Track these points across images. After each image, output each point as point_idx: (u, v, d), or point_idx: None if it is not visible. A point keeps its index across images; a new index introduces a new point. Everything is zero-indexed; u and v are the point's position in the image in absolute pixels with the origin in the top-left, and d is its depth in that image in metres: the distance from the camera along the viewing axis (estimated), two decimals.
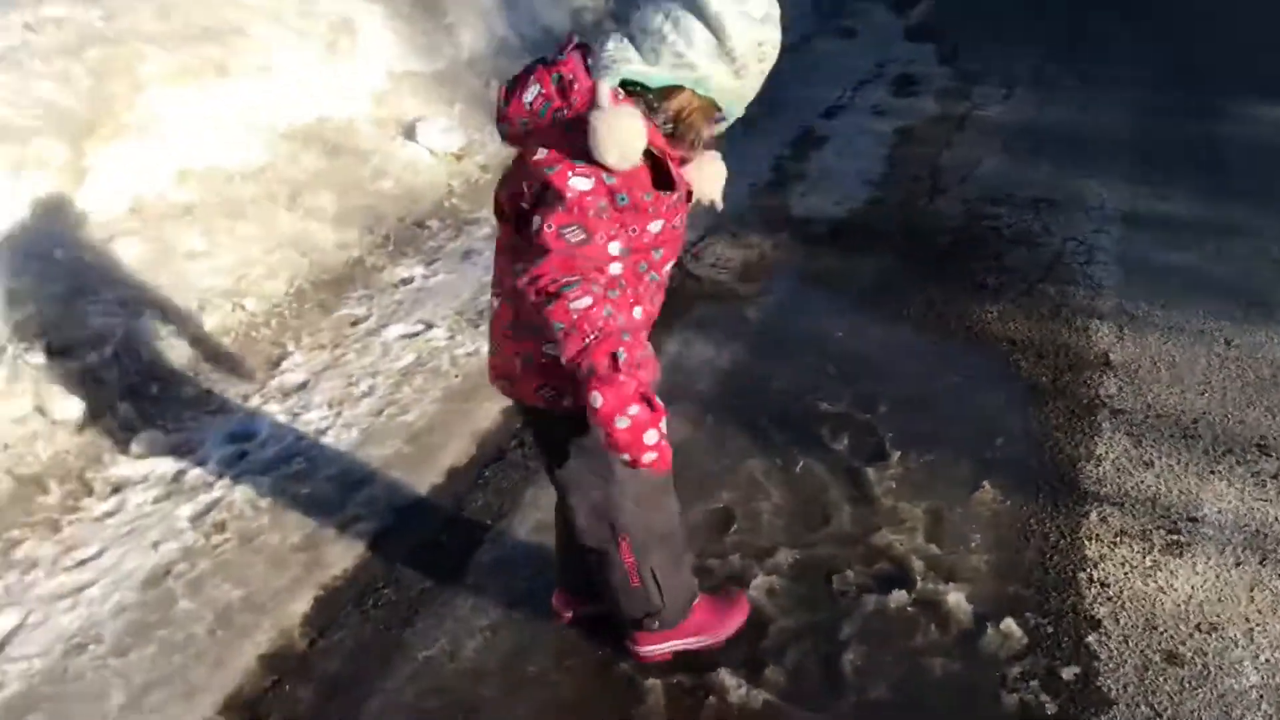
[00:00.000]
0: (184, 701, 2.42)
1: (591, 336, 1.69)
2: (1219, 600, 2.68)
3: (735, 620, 2.53)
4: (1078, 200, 5.16)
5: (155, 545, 2.91)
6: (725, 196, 2.13)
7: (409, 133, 5.57)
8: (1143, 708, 2.39)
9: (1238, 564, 2.81)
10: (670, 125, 1.89)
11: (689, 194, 2.03)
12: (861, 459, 3.25)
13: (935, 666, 2.51)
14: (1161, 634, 2.59)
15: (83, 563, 2.87)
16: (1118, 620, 2.63)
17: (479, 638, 2.58)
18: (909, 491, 3.10)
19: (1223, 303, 4.12)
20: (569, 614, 2.58)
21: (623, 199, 1.84)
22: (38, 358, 3.46)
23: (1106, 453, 3.26)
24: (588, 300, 1.70)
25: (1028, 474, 3.17)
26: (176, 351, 3.79)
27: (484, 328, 3.93)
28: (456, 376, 3.72)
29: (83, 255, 3.93)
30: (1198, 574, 2.77)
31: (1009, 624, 2.61)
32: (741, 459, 3.26)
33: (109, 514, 3.04)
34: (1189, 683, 2.45)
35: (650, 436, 1.70)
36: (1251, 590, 2.71)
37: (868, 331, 4.02)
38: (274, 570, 2.80)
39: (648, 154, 1.83)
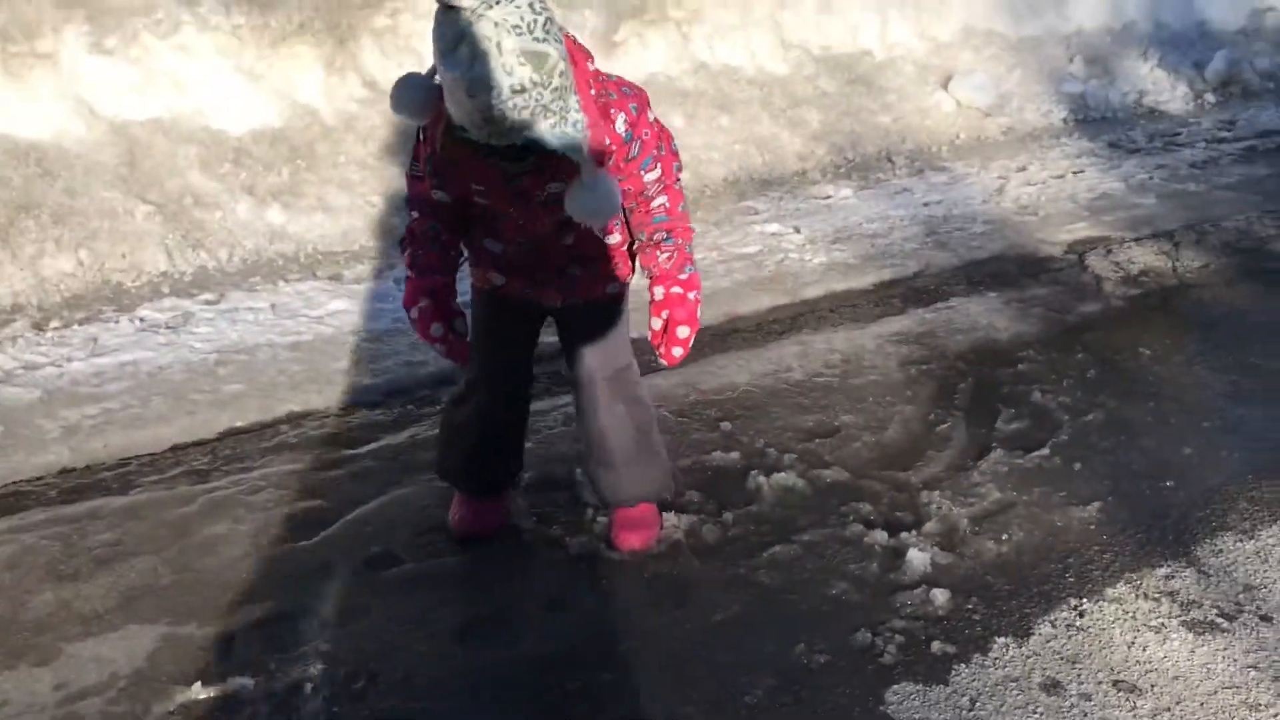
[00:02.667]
0: (370, 375, 3.47)
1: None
2: (1172, 677, 2.42)
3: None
4: None
5: None
6: None
7: (944, 82, 5.90)
8: (964, 700, 2.36)
9: (1250, 665, 2.47)
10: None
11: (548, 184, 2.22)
12: (1008, 442, 3.24)
13: (835, 587, 2.65)
14: (1075, 666, 2.44)
15: None
16: (1047, 643, 2.52)
17: None
18: (1009, 480, 3.07)
19: None
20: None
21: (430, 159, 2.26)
22: None
23: (1267, 537, 2.88)
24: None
25: (1150, 518, 2.93)
26: None
27: (839, 245, 4.44)
28: (768, 272, 4.25)
29: None
30: (1189, 653, 2.49)
31: (940, 594, 2.63)
32: (906, 401, 3.44)
33: None
34: (1034, 706, 2.35)
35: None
36: (1222, 686, 2.40)
37: (1181, 359, 3.75)
38: None
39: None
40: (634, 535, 2.75)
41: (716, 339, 3.76)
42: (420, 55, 4.88)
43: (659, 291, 2.45)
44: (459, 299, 2.39)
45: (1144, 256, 4.51)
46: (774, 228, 4.58)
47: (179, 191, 4.22)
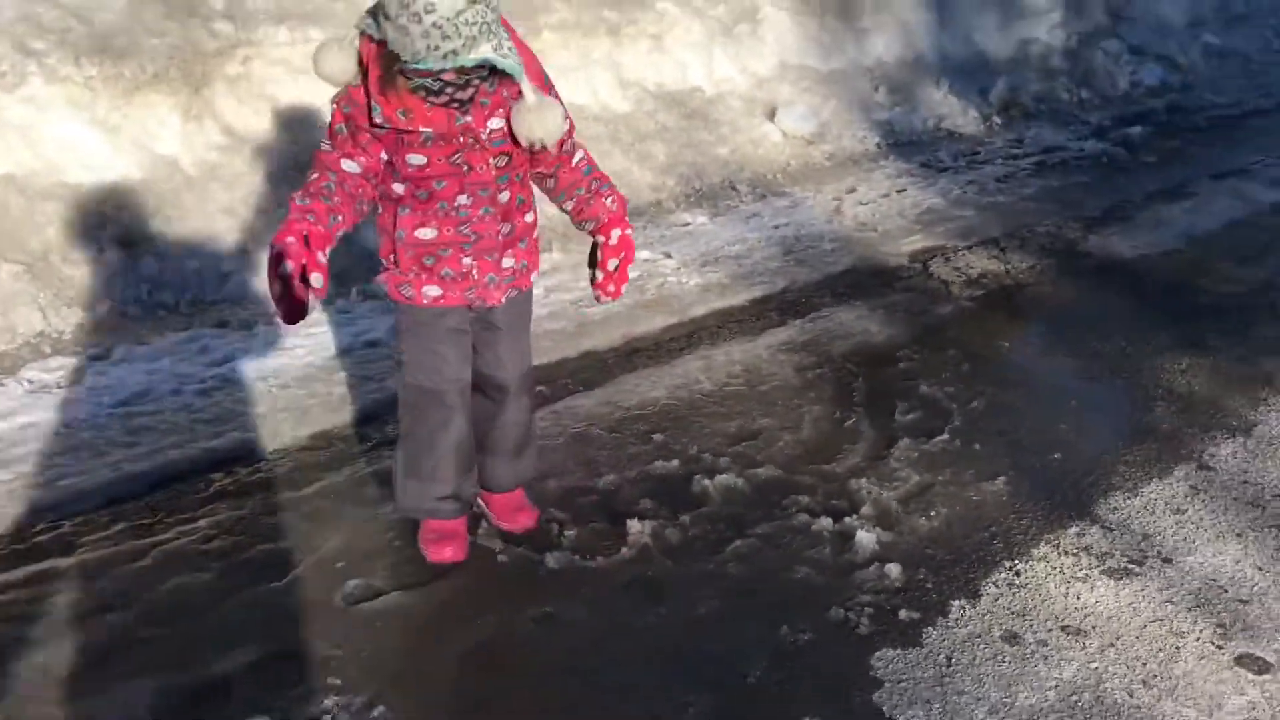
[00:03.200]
0: (297, 421, 3.44)
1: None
2: (1108, 618, 2.73)
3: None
4: None
5: (359, 335, 3.97)
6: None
7: (770, 114, 6.28)
8: (940, 658, 2.59)
9: (1166, 600, 2.80)
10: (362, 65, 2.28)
11: (503, 134, 2.37)
12: (912, 430, 3.53)
13: (797, 571, 2.86)
14: (1024, 618, 2.72)
15: (314, 334, 3.99)
16: (996, 601, 2.79)
17: None
18: (924, 463, 3.36)
19: None
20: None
21: (341, 129, 2.36)
22: None
23: (1150, 493, 3.26)
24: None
25: (1051, 486, 3.28)
26: None
27: (710, 267, 4.66)
28: (651, 295, 4.43)
29: None
30: (1115, 596, 2.81)
31: (893, 568, 2.87)
32: (812, 401, 3.68)
33: (351, 309, 4.15)
34: (1003, 657, 2.60)
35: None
36: (1150, 620, 2.73)
37: (1034, 348, 4.16)
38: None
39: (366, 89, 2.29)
40: (524, 515, 2.97)
41: (622, 359, 3.92)
42: (275, 100, 4.86)
43: (615, 235, 2.64)
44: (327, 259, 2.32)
45: (979, 261, 4.95)
46: (646, 254, 4.77)
47: (43, 249, 4.05)
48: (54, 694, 2.37)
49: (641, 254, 4.78)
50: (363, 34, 2.28)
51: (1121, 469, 3.38)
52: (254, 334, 3.97)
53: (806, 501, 3.14)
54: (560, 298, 4.33)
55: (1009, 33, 7.92)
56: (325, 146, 2.41)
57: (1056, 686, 2.50)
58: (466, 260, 2.54)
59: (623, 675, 2.51)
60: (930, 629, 2.68)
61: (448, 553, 2.80)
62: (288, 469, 3.22)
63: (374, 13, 2.24)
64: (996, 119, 7.12)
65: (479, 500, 2.96)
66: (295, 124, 4.85)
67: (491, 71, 2.28)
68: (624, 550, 2.91)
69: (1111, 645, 2.64)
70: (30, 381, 3.58)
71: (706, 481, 3.20)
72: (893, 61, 7.12)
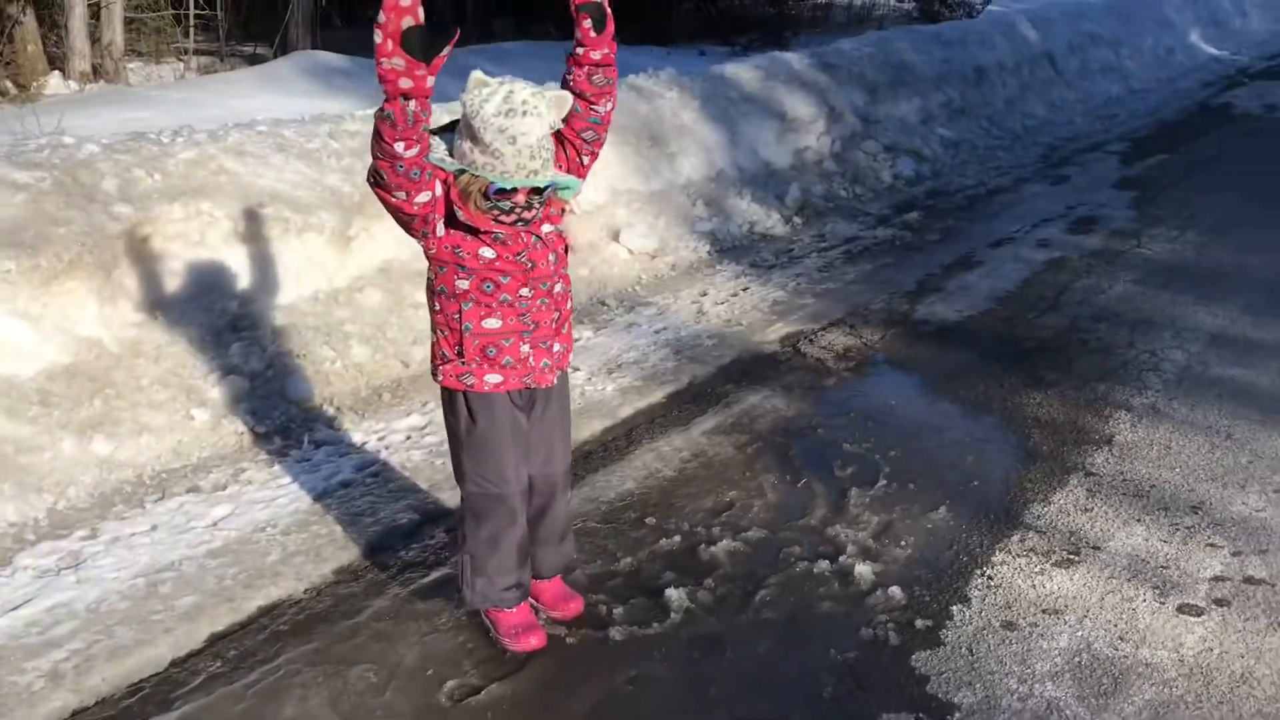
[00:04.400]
0: (315, 562, 3.66)
1: None
2: (1073, 597, 3.36)
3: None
4: (1175, 322, 5.71)
5: (329, 478, 4.20)
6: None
7: (615, 236, 6.89)
8: (963, 651, 3.14)
9: (1110, 577, 3.46)
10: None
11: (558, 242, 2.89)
12: (855, 481, 4.11)
13: (821, 606, 3.35)
14: (1011, 609, 3.31)
15: (284, 484, 4.19)
16: (984, 600, 3.37)
17: None
18: (877, 506, 3.93)
19: (1250, 408, 4.64)
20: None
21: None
22: (289, 359, 4.93)
23: (1059, 500, 3.95)
24: None
25: (983, 507, 3.92)
26: (390, 368, 5.18)
27: (618, 374, 5.13)
28: (579, 405, 4.86)
29: (337, 297, 5.45)
30: (1071, 581, 3.45)
31: (895, 590, 3.41)
32: (763, 471, 4.20)
33: (308, 460, 4.38)
34: (1009, 640, 3.17)
35: None
36: (1105, 593, 3.37)
37: (917, 402, 4.85)
38: (400, 498, 4.02)
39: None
40: (573, 602, 3.30)
41: (579, 461, 4.31)
42: (177, 273, 5.05)
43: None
44: None
45: (838, 339, 5.67)
46: None
47: None
48: None
49: None
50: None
51: (1029, 484, 4.07)
52: (228, 494, 4.12)
53: (800, 551, 3.64)
54: None
55: (785, 143, 8.91)
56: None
57: (1061, 652, 3.09)
58: (525, 348, 2.89)
59: (725, 708, 2.90)
60: (944, 631, 3.22)
61: (533, 641, 3.12)
62: (333, 602, 3.44)
63: (449, 146, 2.69)
64: (796, 219, 8.01)
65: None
66: (201, 292, 5.05)
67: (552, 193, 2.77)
68: (672, 615, 3.31)
69: (1085, 616, 3.26)
70: (30, 567, 3.63)
71: (711, 549, 3.65)
72: (700, 179, 7.91)
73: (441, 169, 2.69)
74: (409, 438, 4.55)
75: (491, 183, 2.65)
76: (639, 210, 7.19)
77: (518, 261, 2.81)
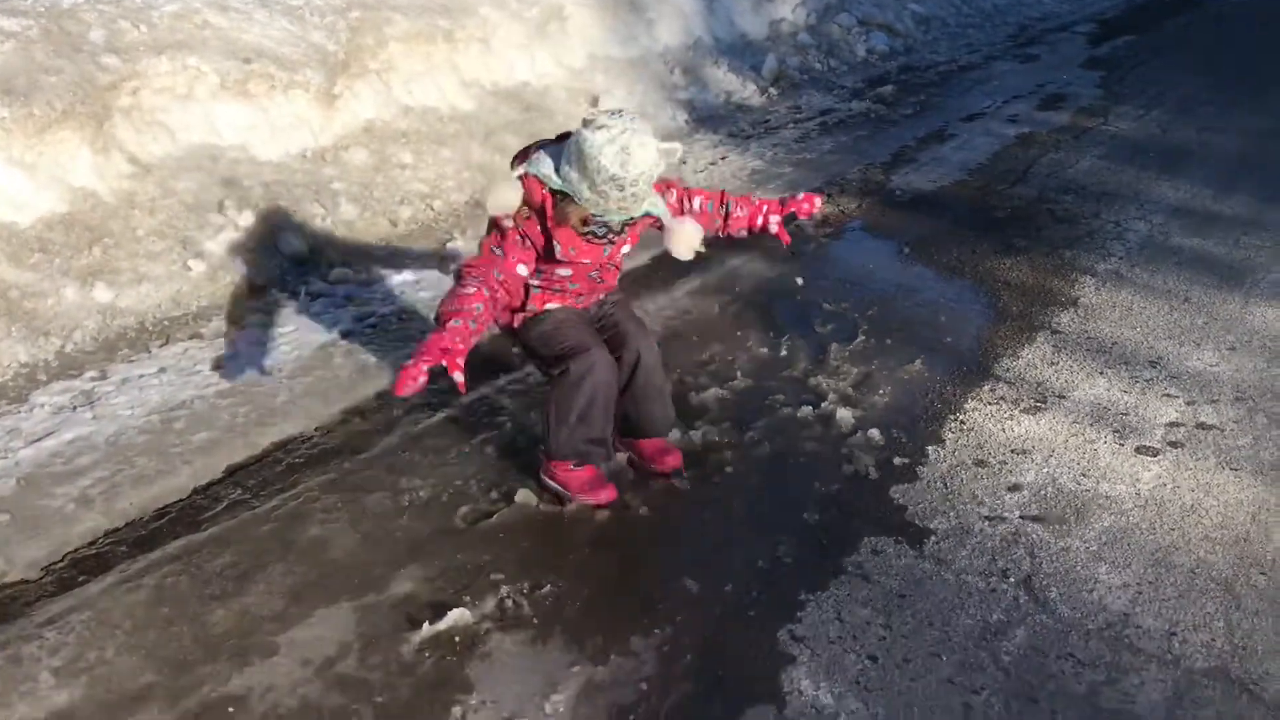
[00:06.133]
0: (323, 403, 3.82)
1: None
2: (1039, 439, 3.61)
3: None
4: (1140, 195, 5.91)
5: (329, 328, 4.34)
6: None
7: (594, 101, 6.94)
8: (938, 484, 3.38)
9: (1073, 422, 3.71)
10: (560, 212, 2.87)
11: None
12: (834, 338, 4.31)
13: (805, 445, 3.57)
14: (983, 449, 3.56)
15: (284, 333, 4.33)
16: (957, 441, 3.61)
17: None
18: (856, 359, 4.14)
19: (1208, 274, 4.88)
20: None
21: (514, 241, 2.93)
22: (281, 215, 5.01)
23: (1027, 355, 4.18)
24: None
25: (956, 360, 4.14)
26: (378, 227, 5.28)
27: None
28: None
29: (324, 155, 5.50)
30: (1038, 425, 3.70)
31: (874, 432, 3.64)
32: (746, 327, 4.38)
33: (306, 309, 4.51)
34: (980, 475, 3.42)
35: None
36: (1069, 436, 3.63)
37: (893, 265, 5.04)
38: (401, 347, 4.17)
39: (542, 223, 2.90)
40: (672, 456, 3.43)
41: None
42: (167, 127, 5.08)
43: (772, 221, 3.34)
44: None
45: None
46: None
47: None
48: (265, 629, 2.75)
49: None
50: (532, 177, 2.86)
51: (999, 341, 4.29)
52: (229, 340, 4.25)
53: (783, 399, 3.86)
54: None
55: (762, 14, 8.91)
56: (495, 252, 2.94)
57: (1028, 486, 3.34)
58: (584, 293, 3.19)
59: (720, 533, 3.14)
60: (921, 467, 3.46)
61: (604, 495, 3.26)
62: (340, 440, 3.61)
63: (557, 169, 2.83)
64: (773, 90, 8.08)
65: (626, 453, 3.45)
66: (192, 146, 5.09)
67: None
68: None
69: (1051, 455, 3.52)
70: (45, 404, 3.76)
71: (701, 396, 3.86)
72: (678, 47, 7.93)
73: (542, 184, 2.86)
74: (403, 292, 4.68)
75: (594, 215, 2.84)
76: (617, 77, 7.23)
77: (589, 279, 3.10)
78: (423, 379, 2.58)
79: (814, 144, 6.95)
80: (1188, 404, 3.83)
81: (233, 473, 3.44)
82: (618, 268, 3.17)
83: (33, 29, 4.80)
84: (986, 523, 3.19)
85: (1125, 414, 3.76)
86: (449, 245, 5.14)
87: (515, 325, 3.17)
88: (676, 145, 2.87)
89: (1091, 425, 3.69)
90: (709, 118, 7.41)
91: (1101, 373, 4.04)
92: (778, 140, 7.01)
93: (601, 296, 3.24)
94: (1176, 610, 2.86)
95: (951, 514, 3.23)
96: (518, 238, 2.93)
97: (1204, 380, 3.99)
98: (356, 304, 4.58)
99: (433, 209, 5.57)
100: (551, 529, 3.18)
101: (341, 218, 5.23)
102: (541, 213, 2.89)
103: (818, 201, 3.39)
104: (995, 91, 8.24)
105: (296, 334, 4.31)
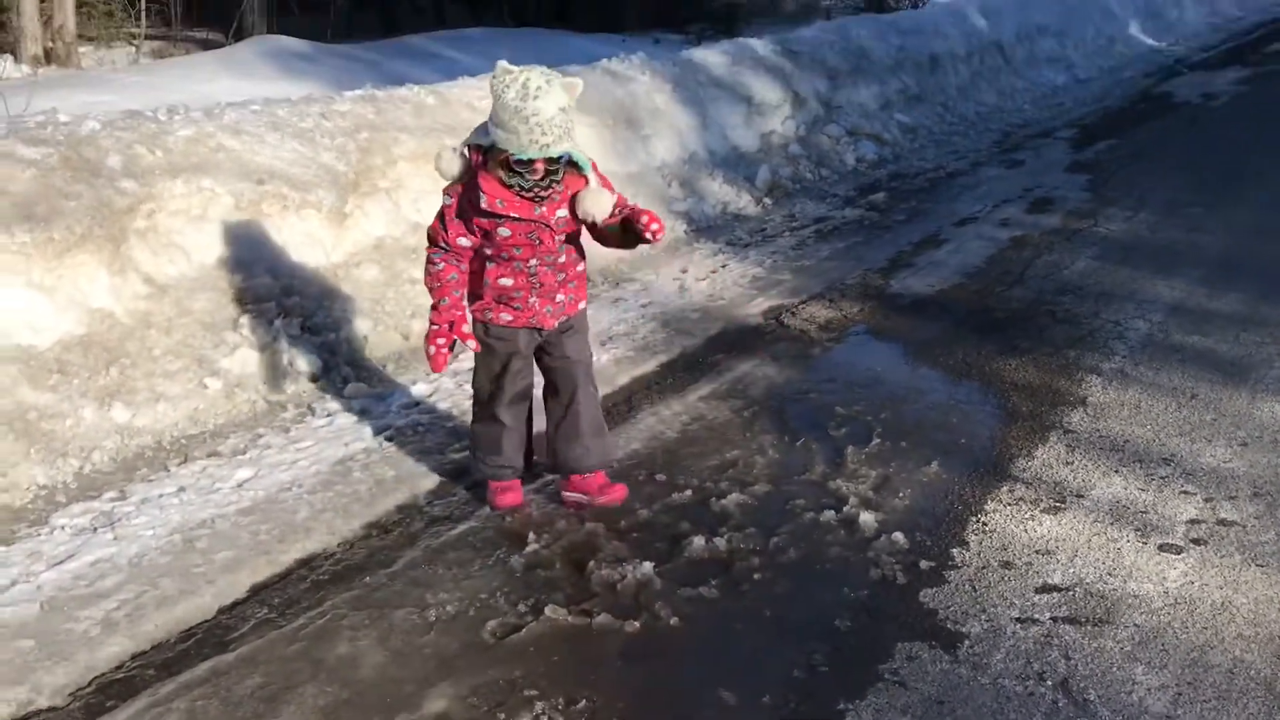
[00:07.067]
0: (344, 518, 3.82)
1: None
2: (1063, 538, 3.63)
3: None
4: (1136, 295, 6.02)
5: (346, 443, 4.36)
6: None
7: None
8: (966, 587, 3.38)
9: (1094, 521, 3.73)
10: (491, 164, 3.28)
11: (570, 213, 3.41)
12: (850, 441, 4.34)
13: (830, 551, 3.58)
14: (1007, 550, 3.57)
15: (302, 449, 4.34)
16: (981, 543, 3.62)
17: None
18: (873, 462, 4.17)
19: (1212, 371, 4.95)
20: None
21: (454, 217, 3.41)
22: (295, 331, 5.06)
23: (1041, 455, 4.22)
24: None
25: (972, 462, 4.17)
26: (390, 340, 5.33)
27: (611, 345, 5.32)
28: None
29: (336, 271, 5.58)
30: (1059, 525, 3.72)
31: (898, 535, 3.65)
32: (762, 432, 4.42)
33: (323, 426, 4.53)
34: (1008, 576, 3.43)
35: None
36: (1092, 535, 3.64)
37: (901, 368, 5.11)
38: (419, 461, 4.19)
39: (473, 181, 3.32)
40: (613, 489, 3.82)
41: None
42: (183, 248, 5.16)
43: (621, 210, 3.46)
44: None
45: (819, 311, 5.91)
46: None
47: (16, 409, 4.19)
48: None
49: None
50: (471, 146, 3.35)
51: (1013, 441, 4.34)
52: (248, 458, 4.27)
53: (804, 504, 3.87)
54: None
55: (753, 128, 9.15)
56: (440, 227, 3.45)
57: (1056, 587, 3.35)
58: (533, 299, 3.55)
59: (749, 642, 3.12)
60: (948, 570, 3.47)
61: (508, 499, 3.80)
62: (363, 556, 3.61)
63: (483, 127, 3.26)
64: (767, 200, 8.26)
65: (571, 492, 3.81)
66: (207, 266, 5.16)
67: (566, 168, 3.32)
68: (692, 559, 3.53)
69: (1075, 555, 3.53)
70: (66, 527, 3.75)
71: (722, 502, 3.87)
72: (674, 161, 8.12)
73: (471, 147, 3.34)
74: (418, 404, 4.71)
75: (511, 154, 3.16)
76: (619, 189, 7.36)
77: (527, 239, 3.40)
78: (447, 353, 3.47)
79: (811, 250, 7.08)
80: (1205, 500, 3.86)
81: (257, 591, 3.42)
82: (554, 231, 3.39)
83: (53, 156, 4.90)
84: (1019, 625, 3.19)
85: (1145, 512, 3.79)
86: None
87: (475, 315, 3.60)
88: (578, 80, 3.20)
89: (1113, 524, 3.71)
90: (708, 228, 7.55)
91: (1117, 471, 4.07)
92: (775, 248, 7.14)
93: (556, 290, 3.55)
94: (1219, 712, 2.85)
95: (983, 617, 3.23)
96: (454, 213, 3.39)
97: (1220, 476, 4.02)
98: (372, 418, 4.60)
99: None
100: (581, 642, 3.16)
101: (355, 332, 5.28)
102: (474, 172, 3.30)
103: (654, 227, 3.39)
104: (985, 196, 8.43)
105: (314, 449, 4.33)
